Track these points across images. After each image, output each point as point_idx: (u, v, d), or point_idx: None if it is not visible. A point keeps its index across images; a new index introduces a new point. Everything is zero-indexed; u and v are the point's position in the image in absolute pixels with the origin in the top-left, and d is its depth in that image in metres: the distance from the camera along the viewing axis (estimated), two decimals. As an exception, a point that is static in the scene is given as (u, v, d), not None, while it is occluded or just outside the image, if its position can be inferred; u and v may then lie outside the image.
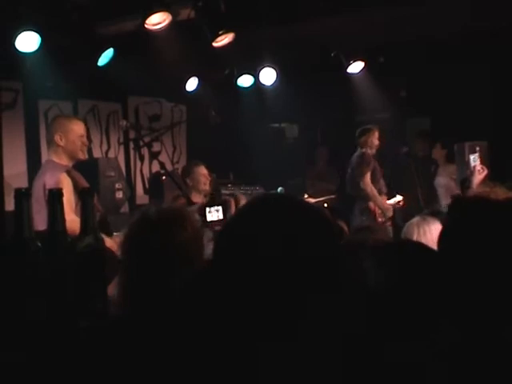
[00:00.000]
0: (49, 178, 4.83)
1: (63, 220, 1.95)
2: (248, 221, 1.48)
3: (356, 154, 8.27)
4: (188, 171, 7.04)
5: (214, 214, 2.80)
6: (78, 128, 5.31)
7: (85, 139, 5.36)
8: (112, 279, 2.34)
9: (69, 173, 4.96)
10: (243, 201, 2.75)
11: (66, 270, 1.95)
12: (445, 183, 8.91)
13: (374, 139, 8.20)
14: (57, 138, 5.11)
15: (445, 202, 8.72)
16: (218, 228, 5.90)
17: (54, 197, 1.95)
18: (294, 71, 8.39)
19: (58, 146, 5.12)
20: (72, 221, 2.13)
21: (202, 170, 6.90)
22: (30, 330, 1.92)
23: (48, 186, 4.65)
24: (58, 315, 1.96)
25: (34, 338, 1.93)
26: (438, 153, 8.99)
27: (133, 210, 7.56)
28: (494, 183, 3.47)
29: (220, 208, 2.77)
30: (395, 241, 2.65)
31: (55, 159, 5.14)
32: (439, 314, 1.66)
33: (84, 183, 5.04)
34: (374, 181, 8.06)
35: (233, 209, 2.73)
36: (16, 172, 7.28)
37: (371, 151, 8.22)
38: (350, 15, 6.80)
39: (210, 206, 2.80)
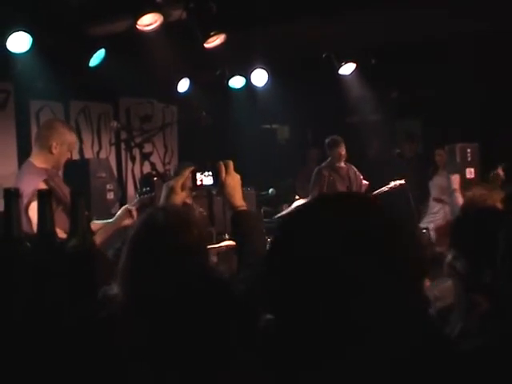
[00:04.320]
0: (26, 187, 4.70)
1: (52, 221, 1.95)
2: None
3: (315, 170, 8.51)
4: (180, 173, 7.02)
5: (205, 178, 2.80)
6: (72, 141, 5.25)
7: (72, 152, 5.34)
8: (106, 280, 2.34)
9: (47, 181, 4.88)
10: (231, 166, 2.74)
11: (54, 269, 1.95)
12: (438, 183, 8.98)
13: (342, 151, 8.31)
14: (53, 145, 5.02)
15: (435, 201, 8.84)
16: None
17: (43, 198, 1.95)
18: (285, 72, 8.40)
19: (51, 153, 5.03)
20: None
21: None
22: (18, 328, 1.93)
23: (25, 195, 4.59)
24: (46, 314, 1.96)
25: (22, 336, 1.93)
26: (440, 155, 9.06)
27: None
28: (488, 186, 3.50)
29: (210, 173, 2.77)
30: None
31: (36, 163, 5.00)
32: None
33: (65, 189, 4.93)
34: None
35: (223, 174, 2.71)
36: (7, 173, 7.25)
37: (339, 163, 8.36)
38: (342, 17, 6.82)
39: (201, 171, 2.80)
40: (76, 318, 2.03)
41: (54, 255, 1.96)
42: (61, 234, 2.39)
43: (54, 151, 5.01)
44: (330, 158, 8.44)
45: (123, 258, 2.17)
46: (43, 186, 4.76)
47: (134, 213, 4.95)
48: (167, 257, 2.15)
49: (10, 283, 1.89)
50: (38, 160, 5.05)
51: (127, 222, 4.92)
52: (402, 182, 8.17)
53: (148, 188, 5.40)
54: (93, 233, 4.71)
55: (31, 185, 4.69)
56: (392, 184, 8.14)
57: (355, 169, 8.53)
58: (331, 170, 8.37)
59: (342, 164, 8.42)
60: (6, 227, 1.86)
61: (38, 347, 1.95)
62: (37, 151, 5.13)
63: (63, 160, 5.13)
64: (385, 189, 8.15)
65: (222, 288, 2.31)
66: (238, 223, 2.63)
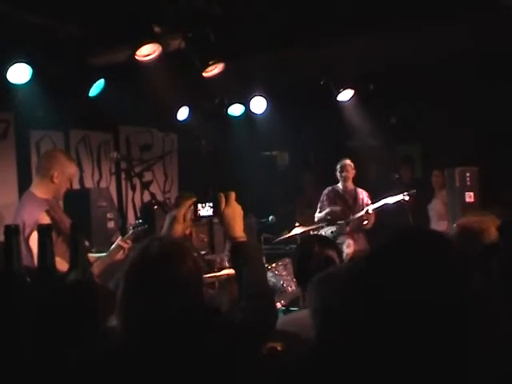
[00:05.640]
0: (28, 218, 4.76)
1: (52, 256, 1.96)
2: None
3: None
4: (179, 203, 7.04)
5: (205, 210, 2.82)
6: (73, 171, 5.30)
7: (72, 182, 5.38)
8: (108, 313, 2.35)
9: (48, 212, 4.91)
10: (233, 197, 2.77)
11: (54, 304, 1.96)
12: (436, 207, 8.99)
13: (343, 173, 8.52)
14: (54, 175, 5.05)
15: (435, 224, 8.79)
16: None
17: (43, 232, 1.97)
18: (284, 99, 8.45)
19: (53, 182, 5.06)
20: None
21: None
22: (20, 363, 1.93)
23: (27, 225, 4.64)
24: (46, 347, 1.96)
25: (24, 370, 1.93)
26: (436, 178, 9.08)
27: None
28: (483, 212, 3.49)
29: (211, 204, 2.79)
30: None
31: (37, 193, 5.07)
32: None
33: (65, 220, 4.98)
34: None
35: (222, 205, 2.74)
36: (7, 202, 7.26)
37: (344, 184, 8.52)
38: (340, 44, 6.87)
39: (202, 202, 2.82)
40: (78, 352, 2.04)
41: (54, 290, 1.97)
42: (61, 263, 2.40)
43: (56, 181, 5.05)
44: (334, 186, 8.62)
45: (119, 290, 2.18)
46: (45, 217, 4.80)
47: (126, 247, 4.99)
48: (162, 288, 2.16)
49: (11, 318, 1.90)
50: (39, 190, 5.08)
51: (120, 256, 4.98)
52: (407, 198, 8.12)
53: (140, 220, 5.44)
54: (91, 264, 4.74)
55: (33, 216, 4.74)
56: (401, 197, 8.07)
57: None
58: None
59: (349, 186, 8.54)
60: (7, 263, 1.88)
61: (38, 381, 1.95)
62: (38, 181, 5.17)
63: (63, 190, 5.17)
64: (391, 200, 8.10)
65: (218, 318, 2.32)
66: (237, 254, 2.65)
